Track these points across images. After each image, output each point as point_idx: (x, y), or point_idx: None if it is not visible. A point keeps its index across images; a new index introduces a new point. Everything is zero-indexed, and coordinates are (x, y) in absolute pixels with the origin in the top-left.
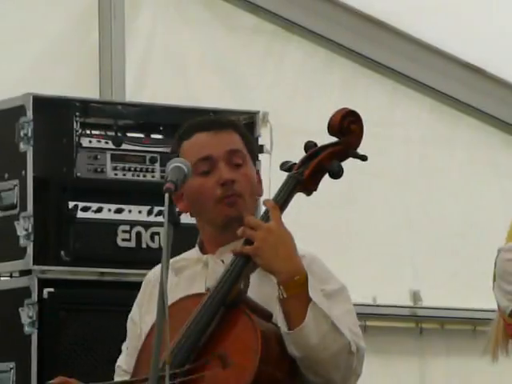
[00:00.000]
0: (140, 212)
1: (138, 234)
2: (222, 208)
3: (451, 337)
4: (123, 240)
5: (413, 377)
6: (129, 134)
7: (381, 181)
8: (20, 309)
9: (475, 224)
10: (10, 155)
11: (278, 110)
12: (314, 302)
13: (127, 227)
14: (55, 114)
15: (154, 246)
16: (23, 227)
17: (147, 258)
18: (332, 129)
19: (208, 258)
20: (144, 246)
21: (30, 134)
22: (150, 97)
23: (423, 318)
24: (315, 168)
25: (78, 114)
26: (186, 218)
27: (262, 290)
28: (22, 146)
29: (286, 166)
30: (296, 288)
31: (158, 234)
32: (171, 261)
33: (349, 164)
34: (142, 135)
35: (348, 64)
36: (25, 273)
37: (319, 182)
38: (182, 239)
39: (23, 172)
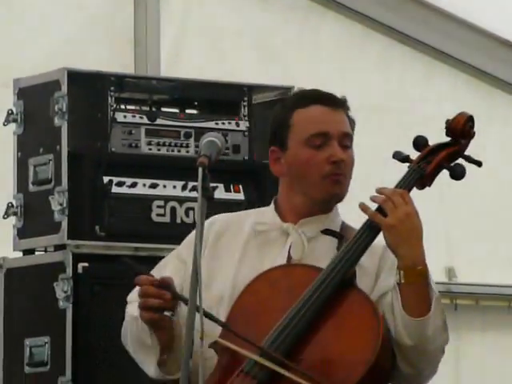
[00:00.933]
0: (174, 187)
1: (173, 209)
2: (327, 184)
3: (486, 313)
4: (158, 215)
5: (448, 352)
6: (163, 109)
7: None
8: (55, 283)
9: (511, 200)
10: (45, 130)
11: (314, 86)
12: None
13: (162, 202)
14: (90, 89)
15: (189, 221)
16: (58, 202)
17: (182, 233)
18: (454, 130)
19: (289, 228)
20: (178, 221)
21: (64, 109)
22: (184, 72)
23: (458, 294)
24: (437, 165)
25: (112, 88)
26: (220, 193)
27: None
28: (57, 121)
29: (400, 156)
30: (416, 277)
31: (192, 209)
32: (254, 213)
33: None
34: (176, 110)
35: (384, 40)
36: (59, 247)
37: (435, 178)
38: (216, 214)
39: (58, 147)
